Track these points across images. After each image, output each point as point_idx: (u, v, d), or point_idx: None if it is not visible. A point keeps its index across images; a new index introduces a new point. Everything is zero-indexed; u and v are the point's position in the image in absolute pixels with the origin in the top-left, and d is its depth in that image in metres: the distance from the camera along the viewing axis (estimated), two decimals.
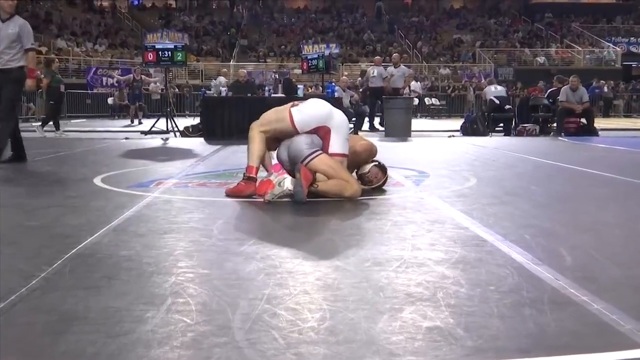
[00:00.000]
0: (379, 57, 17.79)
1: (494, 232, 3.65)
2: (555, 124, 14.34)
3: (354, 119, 14.66)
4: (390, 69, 15.71)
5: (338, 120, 5.03)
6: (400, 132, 13.39)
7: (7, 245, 3.40)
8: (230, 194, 4.98)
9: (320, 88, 16.19)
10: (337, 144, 4.97)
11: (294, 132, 4.97)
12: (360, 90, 17.52)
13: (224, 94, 13.98)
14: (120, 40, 35.48)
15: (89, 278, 2.75)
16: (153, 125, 14.10)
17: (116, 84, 26.91)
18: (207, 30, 39.09)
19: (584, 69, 30.21)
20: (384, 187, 5.35)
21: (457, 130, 14.77)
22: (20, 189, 5.68)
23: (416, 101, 23.48)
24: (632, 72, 35.21)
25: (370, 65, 18.45)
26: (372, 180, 5.28)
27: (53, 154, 9.07)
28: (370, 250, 3.25)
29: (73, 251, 3.19)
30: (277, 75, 20.26)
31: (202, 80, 30.07)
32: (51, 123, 14.44)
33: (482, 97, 16.95)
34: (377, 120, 16.05)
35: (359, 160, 5.27)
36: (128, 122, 21.03)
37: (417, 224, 3.99)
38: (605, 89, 27.74)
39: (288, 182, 4.69)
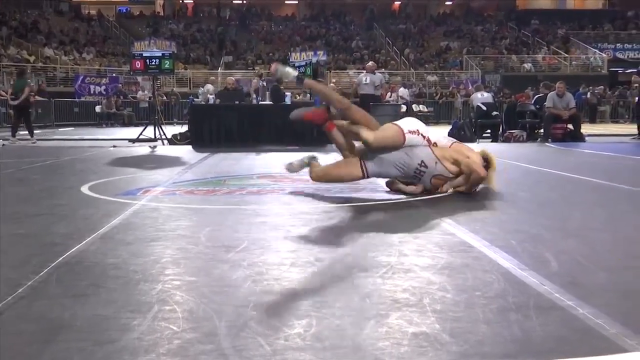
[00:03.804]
0: (371, 63, 17.64)
1: (481, 238, 3.66)
2: (542, 130, 14.40)
3: None
4: (365, 76, 15.63)
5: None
6: None
7: None
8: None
9: (309, 95, 16.18)
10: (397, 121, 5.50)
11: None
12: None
13: (211, 101, 13.97)
14: (108, 48, 35.41)
15: (76, 286, 2.75)
16: (141, 133, 14.08)
17: (104, 92, 26.86)
18: (195, 38, 39.06)
19: (571, 75, 30.37)
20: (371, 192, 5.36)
21: None
22: (8, 197, 5.65)
23: (404, 108, 23.51)
24: (618, 78, 35.42)
25: (362, 72, 18.43)
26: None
27: (41, 162, 9.04)
28: (357, 257, 3.26)
29: (60, 259, 3.19)
30: (264, 83, 20.21)
31: (190, 88, 30.03)
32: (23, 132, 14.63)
33: (469, 103, 16.98)
34: None
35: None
36: (119, 129, 20.96)
37: (404, 230, 4.00)
38: (588, 95, 27.87)
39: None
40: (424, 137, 5.33)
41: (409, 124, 5.41)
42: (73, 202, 5.29)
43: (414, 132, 5.30)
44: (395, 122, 5.45)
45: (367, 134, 5.25)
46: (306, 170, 5.74)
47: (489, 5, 45.59)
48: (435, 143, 5.50)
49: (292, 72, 5.61)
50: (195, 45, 37.84)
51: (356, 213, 4.78)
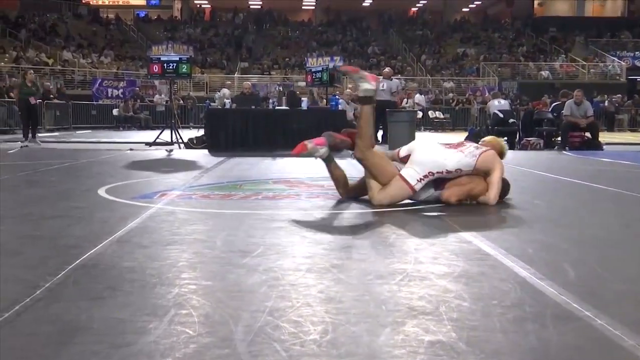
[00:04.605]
0: (388, 69, 17.55)
1: (497, 246, 3.64)
2: (559, 138, 14.33)
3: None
4: (382, 82, 15.64)
5: (414, 154, 5.32)
6: (403, 145, 13.36)
7: (11, 256, 3.41)
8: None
9: (325, 101, 16.20)
10: (404, 171, 5.24)
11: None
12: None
13: (228, 106, 14.00)
14: (126, 52, 35.63)
15: (93, 289, 2.76)
16: (157, 137, 14.14)
17: (121, 95, 27.03)
18: (212, 42, 39.24)
19: (589, 83, 30.22)
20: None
21: None
22: (25, 199, 5.70)
23: (420, 114, 23.50)
24: (637, 86, 35.17)
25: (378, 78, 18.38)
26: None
27: (58, 164, 9.10)
28: (373, 264, 3.25)
29: (77, 262, 3.20)
30: (281, 88, 20.28)
31: (206, 92, 30.14)
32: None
33: (486, 110, 16.92)
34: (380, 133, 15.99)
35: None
36: (135, 132, 21.06)
37: (420, 238, 3.99)
38: (606, 103, 27.71)
39: (321, 152, 5.44)
40: (440, 172, 5.17)
41: (418, 170, 5.18)
42: (90, 205, 5.31)
43: (424, 177, 5.15)
44: (404, 176, 5.18)
45: (372, 194, 5.25)
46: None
47: (506, 13, 45.46)
48: (457, 170, 5.18)
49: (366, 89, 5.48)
50: (212, 50, 38.01)
51: (372, 219, 4.77)
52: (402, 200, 5.27)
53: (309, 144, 5.42)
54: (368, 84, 5.43)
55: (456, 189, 5.23)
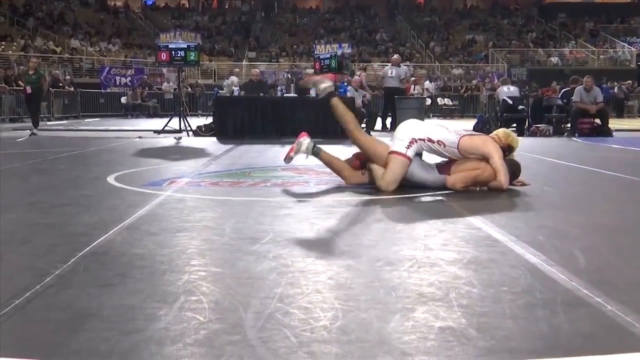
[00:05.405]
0: (396, 56, 17.41)
1: (507, 233, 3.63)
2: (569, 125, 14.25)
3: (365, 119, 14.62)
4: (391, 69, 15.58)
5: (397, 131, 5.57)
6: None
7: (21, 243, 3.42)
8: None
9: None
10: (392, 146, 5.41)
11: None
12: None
13: (236, 93, 13.99)
14: (134, 40, 35.60)
15: (103, 276, 2.76)
16: (166, 125, 14.15)
17: (129, 84, 27.02)
18: (220, 30, 39.17)
19: (599, 69, 30.02)
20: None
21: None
22: (34, 188, 5.71)
23: (429, 101, 23.42)
24: None
25: (387, 64, 18.31)
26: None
27: (67, 152, 9.12)
28: (382, 250, 3.25)
29: (87, 249, 3.21)
30: (289, 75, 20.22)
31: (214, 80, 30.10)
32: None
33: (495, 97, 16.83)
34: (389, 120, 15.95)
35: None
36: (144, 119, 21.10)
37: (429, 224, 3.98)
38: (615, 90, 27.53)
39: (304, 145, 5.57)
40: (423, 140, 5.30)
41: (402, 138, 5.34)
42: (99, 193, 5.33)
43: (410, 144, 5.29)
44: (393, 149, 5.33)
45: (378, 182, 5.33)
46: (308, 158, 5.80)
47: None
48: (439, 142, 5.29)
49: (325, 87, 5.68)
50: (219, 37, 37.95)
51: (381, 206, 4.77)
52: (404, 173, 5.31)
53: (296, 141, 5.66)
54: (325, 83, 5.69)
55: (462, 175, 5.23)
